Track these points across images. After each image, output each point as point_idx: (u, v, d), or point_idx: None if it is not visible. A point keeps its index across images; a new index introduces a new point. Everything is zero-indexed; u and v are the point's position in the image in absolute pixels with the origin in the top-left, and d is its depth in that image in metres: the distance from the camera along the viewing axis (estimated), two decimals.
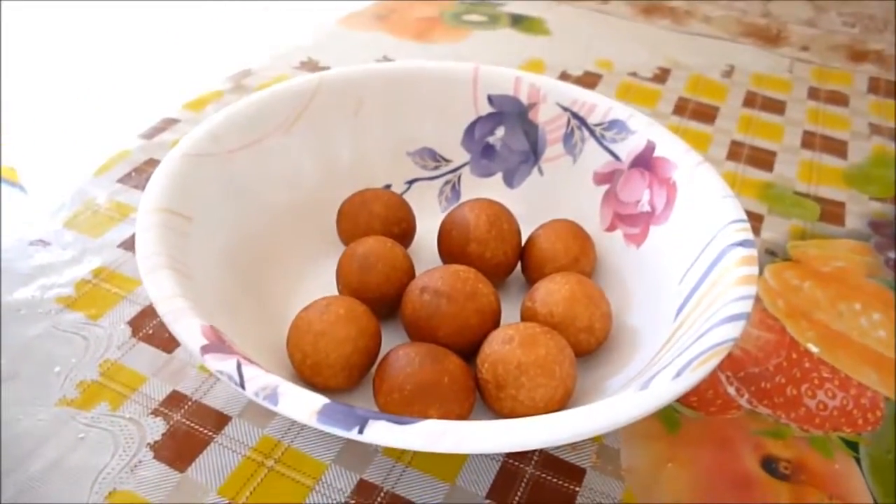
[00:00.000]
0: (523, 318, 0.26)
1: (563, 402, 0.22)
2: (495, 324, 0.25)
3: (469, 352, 0.24)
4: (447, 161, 0.32)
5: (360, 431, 0.17)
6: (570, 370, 0.22)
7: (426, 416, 0.21)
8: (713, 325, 0.20)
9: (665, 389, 0.18)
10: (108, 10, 0.50)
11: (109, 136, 0.38)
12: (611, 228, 0.29)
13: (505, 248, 0.27)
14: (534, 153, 0.31)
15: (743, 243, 0.23)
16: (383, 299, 0.26)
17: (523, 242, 0.28)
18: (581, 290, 0.25)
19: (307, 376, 0.23)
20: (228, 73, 0.44)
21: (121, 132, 0.38)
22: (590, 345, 0.25)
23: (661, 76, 0.46)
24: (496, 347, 0.22)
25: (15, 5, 0.49)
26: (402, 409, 0.22)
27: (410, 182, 0.32)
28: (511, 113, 0.31)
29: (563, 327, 0.24)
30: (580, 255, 0.27)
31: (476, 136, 0.31)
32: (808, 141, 0.41)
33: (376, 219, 0.28)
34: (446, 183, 0.32)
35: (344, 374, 0.23)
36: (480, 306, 0.24)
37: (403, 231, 0.28)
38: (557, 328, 0.24)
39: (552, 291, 0.25)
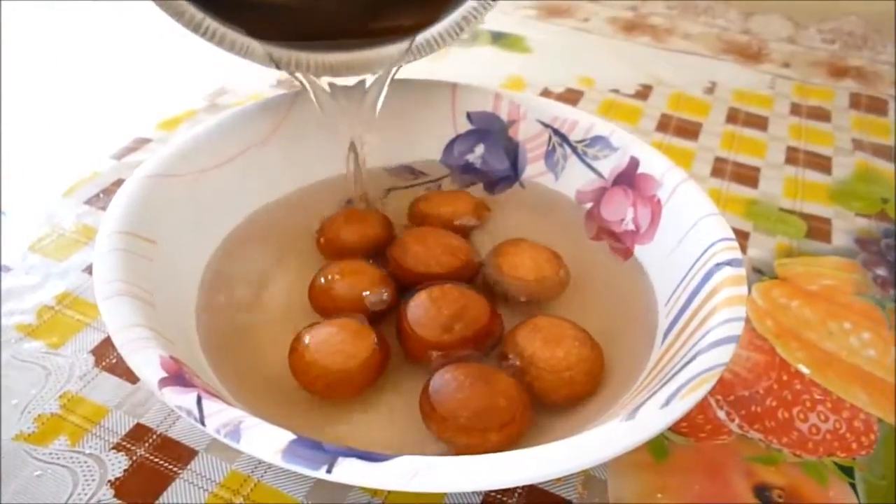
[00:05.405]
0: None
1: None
2: None
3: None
4: (426, 176, 0.31)
5: (329, 471, 0.15)
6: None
7: (486, 441, 0.20)
8: (702, 349, 0.19)
9: (653, 419, 0.17)
10: (85, 29, 0.49)
11: (82, 156, 0.36)
12: (596, 239, 0.28)
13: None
14: (514, 171, 0.30)
15: (731, 262, 0.22)
16: None
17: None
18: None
19: (318, 391, 0.22)
20: (204, 91, 0.43)
21: (94, 152, 0.37)
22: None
23: (644, 93, 0.45)
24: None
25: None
26: (461, 435, 0.20)
27: (388, 190, 0.31)
28: (491, 130, 0.30)
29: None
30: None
31: (455, 154, 0.31)
32: (792, 157, 0.40)
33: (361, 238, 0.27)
34: (427, 191, 0.31)
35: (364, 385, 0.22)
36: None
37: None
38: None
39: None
